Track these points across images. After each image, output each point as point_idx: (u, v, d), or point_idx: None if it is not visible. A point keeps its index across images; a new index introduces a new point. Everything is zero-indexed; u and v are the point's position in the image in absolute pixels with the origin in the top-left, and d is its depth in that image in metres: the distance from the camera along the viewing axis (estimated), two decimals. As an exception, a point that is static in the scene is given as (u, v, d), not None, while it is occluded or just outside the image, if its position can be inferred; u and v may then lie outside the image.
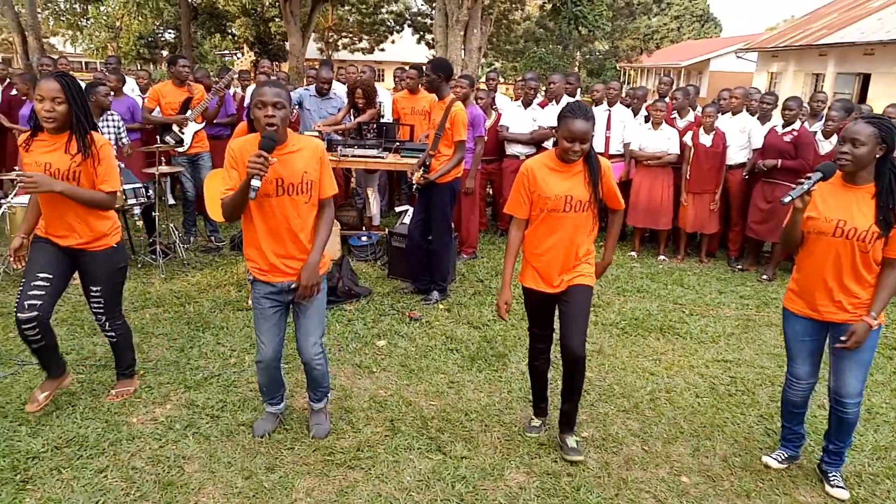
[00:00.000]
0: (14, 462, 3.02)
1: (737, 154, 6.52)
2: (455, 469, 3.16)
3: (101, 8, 29.35)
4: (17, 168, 5.93)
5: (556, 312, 3.26)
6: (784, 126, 6.06)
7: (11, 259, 3.38)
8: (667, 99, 7.28)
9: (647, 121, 6.95)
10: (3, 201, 5.54)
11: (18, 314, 3.16)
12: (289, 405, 3.63)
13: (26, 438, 3.21)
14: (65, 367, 3.52)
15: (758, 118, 6.63)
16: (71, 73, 8.28)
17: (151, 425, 3.38)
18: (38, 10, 19.76)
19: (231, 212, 2.90)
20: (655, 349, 4.65)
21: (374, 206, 7.15)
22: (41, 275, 3.21)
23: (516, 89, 7.48)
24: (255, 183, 2.72)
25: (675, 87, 8.02)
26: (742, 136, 6.49)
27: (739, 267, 6.63)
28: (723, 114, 6.82)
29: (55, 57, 9.73)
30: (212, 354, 4.22)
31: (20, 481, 2.91)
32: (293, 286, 3.03)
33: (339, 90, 7.51)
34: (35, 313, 3.16)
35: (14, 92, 7.27)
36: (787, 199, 2.80)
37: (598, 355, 4.49)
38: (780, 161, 5.99)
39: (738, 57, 24.57)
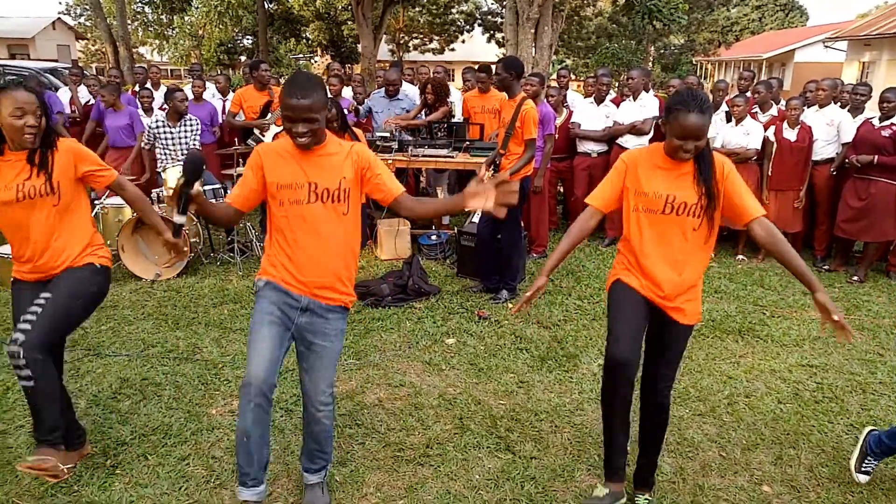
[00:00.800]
0: (105, 448, 3.20)
1: (824, 149, 6.19)
2: (524, 469, 3.13)
3: (186, 18, 30.74)
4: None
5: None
6: (881, 119, 5.71)
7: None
8: (748, 94, 6.99)
9: (727, 116, 6.70)
10: (96, 202, 5.87)
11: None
12: (358, 401, 3.69)
13: (116, 426, 3.40)
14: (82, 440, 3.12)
15: (849, 110, 6.27)
16: (161, 80, 8.72)
17: (229, 417, 3.51)
18: (128, 21, 20.87)
19: (214, 222, 2.45)
20: (734, 352, 4.47)
21: None
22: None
23: (587, 86, 7.35)
24: (179, 219, 2.37)
25: (756, 80, 7.69)
26: (830, 130, 6.16)
27: (826, 267, 6.29)
28: (809, 107, 6.49)
29: (145, 66, 10.23)
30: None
31: (110, 466, 3.07)
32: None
33: (411, 91, 7.59)
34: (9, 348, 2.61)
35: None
36: None
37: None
38: (876, 157, 5.64)
39: (826, 47, 23.37)
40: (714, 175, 2.56)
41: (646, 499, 2.90)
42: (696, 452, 3.30)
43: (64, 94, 8.14)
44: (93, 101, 7.61)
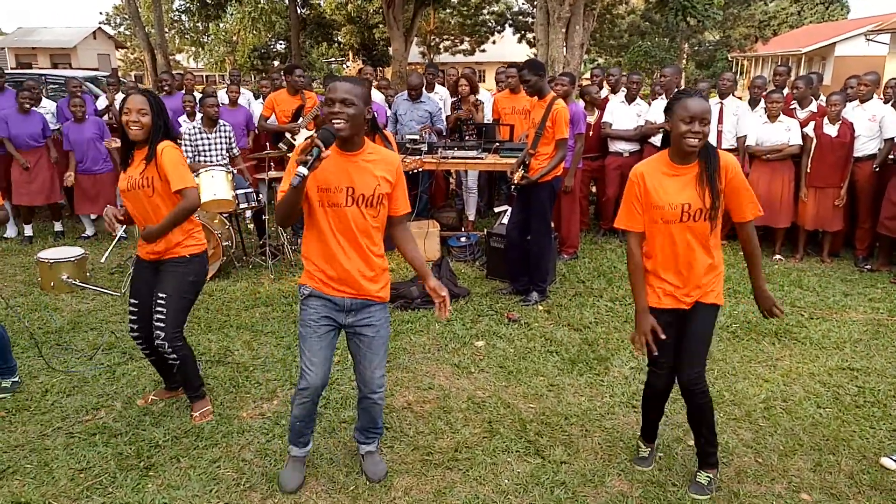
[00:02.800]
0: (139, 449, 3.25)
1: (866, 145, 6.00)
2: (554, 474, 3.09)
3: (221, 24, 31.31)
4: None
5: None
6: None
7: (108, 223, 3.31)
8: (785, 90, 6.83)
9: (767, 113, 6.55)
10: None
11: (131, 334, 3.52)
12: (387, 404, 3.69)
13: (150, 428, 3.45)
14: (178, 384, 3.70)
15: (892, 105, 6.07)
16: (195, 86, 8.88)
17: (259, 420, 3.54)
18: (165, 29, 21.33)
19: (284, 212, 2.56)
20: (770, 354, 4.36)
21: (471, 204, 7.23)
22: (132, 301, 3.45)
23: (608, 83, 7.39)
24: (301, 170, 2.40)
25: (792, 75, 7.50)
26: (872, 126, 5.97)
27: (868, 267, 6.10)
28: (850, 102, 6.30)
29: (181, 72, 10.43)
30: (316, 352, 4.37)
31: (143, 468, 3.12)
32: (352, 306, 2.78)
33: (443, 93, 7.60)
34: (136, 335, 3.48)
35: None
36: None
37: (707, 360, 4.25)
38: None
39: (868, 40, 22.70)
40: (719, 173, 2.66)
41: (707, 477, 2.98)
42: (731, 458, 3.22)
43: (102, 102, 8.34)
44: None
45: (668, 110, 2.69)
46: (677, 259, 2.76)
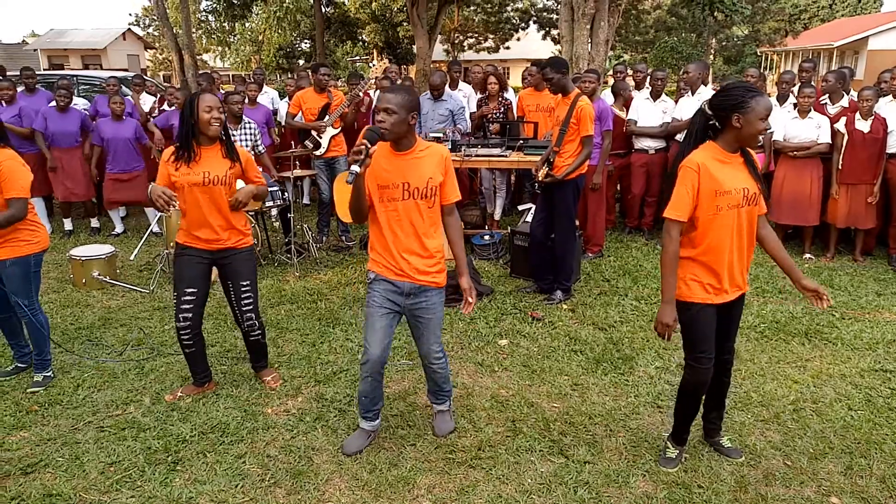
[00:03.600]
0: (167, 444, 3.30)
1: (899, 141, 5.86)
2: (577, 474, 3.08)
3: (247, 24, 31.59)
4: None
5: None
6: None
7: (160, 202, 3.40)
8: (812, 83, 6.69)
9: (795, 108, 6.43)
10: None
11: (176, 323, 3.63)
12: (411, 402, 3.70)
13: (177, 423, 3.50)
14: (209, 377, 3.86)
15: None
16: (221, 85, 9.00)
17: (284, 416, 3.57)
18: (193, 29, 21.60)
19: (353, 208, 2.97)
20: (800, 355, 4.28)
21: (498, 203, 7.20)
22: (189, 290, 3.58)
23: (634, 77, 7.36)
24: (355, 168, 2.75)
25: (819, 70, 7.35)
26: (906, 121, 5.83)
27: (902, 266, 5.96)
28: (883, 96, 6.16)
29: (209, 72, 10.57)
30: (341, 350, 4.40)
31: (171, 462, 3.17)
32: (412, 290, 3.08)
33: (467, 90, 7.59)
34: (188, 323, 3.60)
35: (165, 107, 7.96)
36: None
37: (735, 360, 4.19)
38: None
39: (902, 33, 22.14)
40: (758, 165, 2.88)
41: (728, 438, 3.29)
42: (758, 460, 3.17)
43: (127, 103, 8.47)
44: (163, 108, 7.91)
45: (739, 104, 2.68)
46: (733, 246, 2.82)
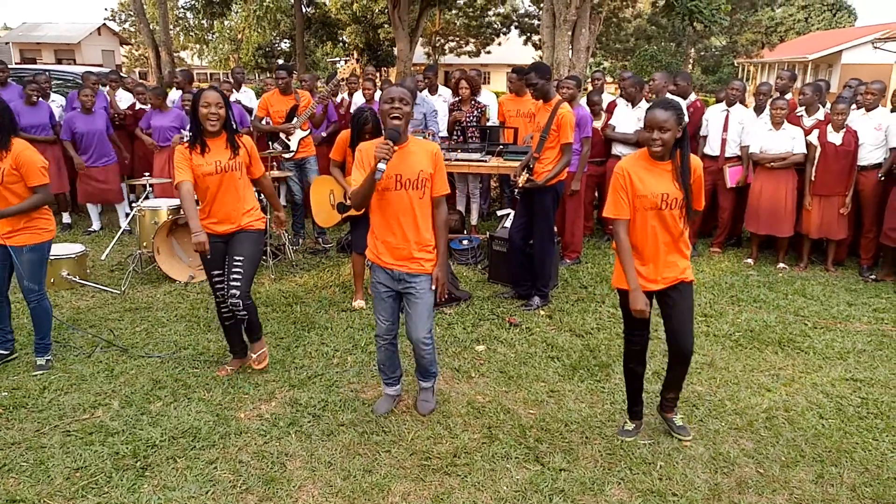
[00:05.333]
0: (136, 449, 3.23)
1: (871, 153, 5.97)
2: (553, 481, 3.07)
3: (226, 22, 31.31)
4: (147, 174, 6.42)
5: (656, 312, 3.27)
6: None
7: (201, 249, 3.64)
8: (788, 95, 6.79)
9: (771, 120, 6.52)
10: (133, 205, 5.98)
11: (216, 300, 3.94)
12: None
13: (147, 428, 3.43)
14: (245, 349, 4.12)
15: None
16: (197, 83, 8.90)
17: (257, 421, 3.52)
18: (170, 26, 21.34)
19: (360, 200, 3.17)
20: (773, 364, 4.33)
21: (474, 208, 7.21)
22: (215, 273, 3.84)
23: (617, 87, 7.35)
24: (381, 166, 3.01)
25: (798, 82, 7.47)
26: (878, 134, 5.94)
27: (873, 277, 6.06)
28: (856, 110, 6.27)
29: (187, 69, 10.45)
30: (316, 354, 4.35)
31: (140, 468, 3.10)
32: (403, 276, 3.30)
33: (446, 94, 7.58)
34: (233, 301, 3.77)
35: (139, 106, 7.83)
36: None
37: (709, 368, 4.23)
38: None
39: (876, 48, 22.65)
40: (691, 173, 3.06)
41: (680, 417, 3.51)
42: (731, 468, 3.19)
43: (101, 96, 8.33)
44: (138, 106, 7.80)
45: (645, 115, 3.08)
46: (654, 242, 3.12)
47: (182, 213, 5.75)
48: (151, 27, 18.44)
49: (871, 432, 3.52)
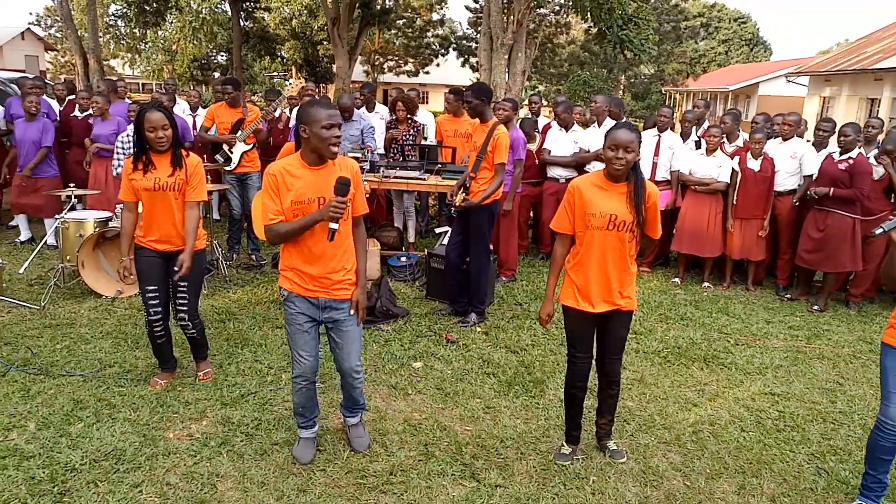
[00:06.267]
0: (53, 474, 3.07)
1: (786, 180, 6.33)
2: (489, 497, 3.09)
3: (160, 32, 30.49)
4: (72, 185, 6.16)
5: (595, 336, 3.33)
6: (841, 153, 5.85)
7: (122, 272, 3.82)
8: (706, 124, 7.13)
9: (697, 146, 6.83)
10: (56, 217, 5.72)
11: (146, 317, 3.87)
12: (322, 426, 3.61)
13: (66, 450, 3.26)
14: (176, 364, 4.12)
15: (813, 145, 6.43)
16: (129, 94, 8.64)
17: (187, 441, 3.40)
18: (100, 34, 20.64)
19: (283, 239, 3.01)
20: (699, 379, 4.50)
21: (410, 225, 7.23)
22: (150, 288, 3.80)
23: (553, 112, 7.57)
24: (334, 226, 2.90)
25: (716, 111, 7.87)
26: (793, 162, 6.31)
27: (788, 296, 6.40)
28: (773, 139, 6.65)
29: (114, 79, 10.12)
30: (249, 371, 4.25)
31: (58, 493, 2.95)
32: (328, 305, 3.12)
33: (383, 112, 7.60)
34: (158, 316, 3.84)
35: (76, 113, 7.51)
36: (879, 232, 2.75)
37: (639, 384, 4.36)
38: (831, 189, 5.78)
39: (789, 81, 24.08)
40: (645, 198, 3.08)
41: (614, 442, 3.54)
42: (660, 481, 3.29)
43: (43, 103, 7.96)
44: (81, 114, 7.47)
45: (605, 136, 3.09)
46: (599, 263, 3.13)
47: (110, 225, 5.55)
48: (80, 33, 17.77)
49: (789, 444, 3.70)
